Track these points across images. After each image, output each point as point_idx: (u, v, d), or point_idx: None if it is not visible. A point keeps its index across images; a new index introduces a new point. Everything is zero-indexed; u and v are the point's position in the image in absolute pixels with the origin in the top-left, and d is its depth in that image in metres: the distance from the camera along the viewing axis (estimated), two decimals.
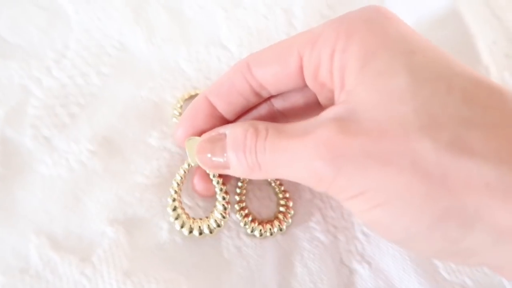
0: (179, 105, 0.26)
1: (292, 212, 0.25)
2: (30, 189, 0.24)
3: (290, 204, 0.25)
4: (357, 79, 0.18)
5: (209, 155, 0.22)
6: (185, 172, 0.24)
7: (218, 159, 0.21)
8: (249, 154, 0.20)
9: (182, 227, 0.24)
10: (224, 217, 0.24)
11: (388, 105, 0.17)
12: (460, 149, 0.15)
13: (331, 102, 0.20)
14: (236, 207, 0.25)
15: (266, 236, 0.24)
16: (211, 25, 0.28)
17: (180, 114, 0.26)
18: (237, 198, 0.25)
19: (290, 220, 0.25)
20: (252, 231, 0.24)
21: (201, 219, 0.24)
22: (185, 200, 0.25)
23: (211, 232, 0.24)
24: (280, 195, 0.25)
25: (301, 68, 0.20)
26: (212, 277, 0.24)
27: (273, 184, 0.26)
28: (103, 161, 0.25)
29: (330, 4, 0.30)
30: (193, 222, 0.24)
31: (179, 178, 0.24)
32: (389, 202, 0.17)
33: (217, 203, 0.24)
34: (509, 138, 0.16)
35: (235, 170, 0.21)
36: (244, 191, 0.25)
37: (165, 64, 0.27)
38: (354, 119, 0.17)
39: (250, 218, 0.25)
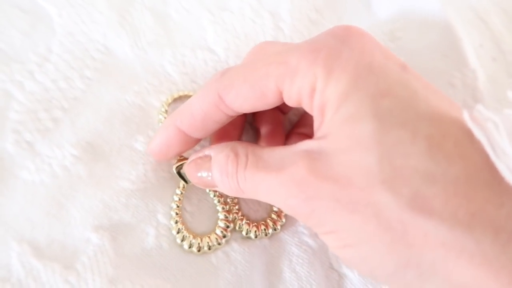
0: (163, 110, 0.26)
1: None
2: (11, 195, 0.23)
3: None
4: (331, 120, 0.18)
5: (198, 174, 0.23)
6: (184, 185, 0.25)
7: (206, 178, 0.22)
8: (231, 180, 0.21)
9: (182, 241, 0.24)
10: (225, 236, 0.24)
11: (355, 152, 0.17)
12: (419, 207, 0.16)
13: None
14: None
15: (262, 237, 0.24)
16: (198, 28, 0.28)
17: (165, 118, 0.26)
18: (229, 200, 0.25)
19: (284, 220, 0.25)
20: (247, 234, 0.24)
21: (201, 237, 0.24)
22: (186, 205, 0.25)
23: (209, 249, 0.24)
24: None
25: (280, 99, 0.20)
26: (199, 283, 0.24)
27: None
28: (87, 166, 0.24)
29: (318, 8, 0.30)
30: (194, 238, 0.24)
31: (180, 192, 0.24)
32: (358, 245, 0.17)
33: (219, 221, 0.25)
34: (468, 195, 0.16)
35: (222, 190, 0.22)
36: None
37: (151, 68, 0.27)
38: (326, 161, 0.18)
39: (244, 221, 0.25)
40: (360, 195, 0.17)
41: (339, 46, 0.18)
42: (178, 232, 0.24)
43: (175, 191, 0.25)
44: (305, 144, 0.19)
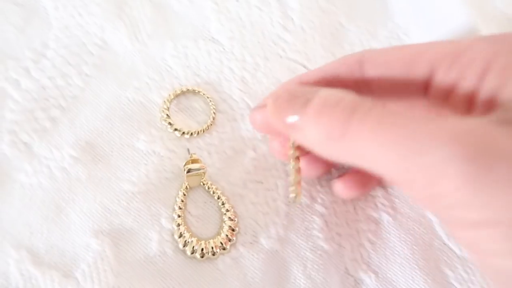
0: (166, 106, 0.24)
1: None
2: (8, 199, 0.22)
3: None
4: None
5: (288, 119, 0.18)
6: (187, 187, 0.23)
7: (293, 118, 0.18)
8: (335, 127, 0.16)
9: (184, 246, 0.22)
10: (230, 240, 0.23)
11: None
12: None
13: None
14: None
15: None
16: (200, 18, 0.26)
17: (168, 116, 0.24)
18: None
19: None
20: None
21: (205, 241, 0.23)
22: (191, 208, 0.23)
23: (213, 255, 0.22)
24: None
25: (427, 81, 0.18)
26: None
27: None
28: (86, 168, 0.23)
29: None
30: (197, 242, 0.22)
31: (182, 193, 0.23)
32: None
33: (223, 224, 0.23)
34: None
35: (309, 133, 0.17)
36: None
37: (151, 62, 0.25)
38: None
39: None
40: None
41: None
42: (180, 236, 0.22)
43: (178, 193, 0.23)
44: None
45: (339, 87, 0.18)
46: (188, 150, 0.24)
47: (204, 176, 0.23)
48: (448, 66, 0.17)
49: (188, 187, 0.23)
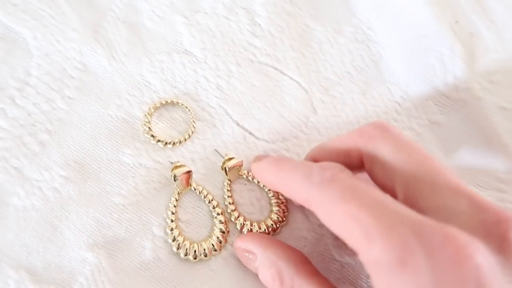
0: (147, 120, 0.25)
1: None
2: (3, 223, 0.23)
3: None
4: None
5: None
6: (179, 193, 0.24)
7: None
8: None
9: (178, 249, 0.23)
10: (221, 242, 0.24)
11: None
12: None
13: None
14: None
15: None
16: (173, 33, 0.27)
17: (150, 128, 0.25)
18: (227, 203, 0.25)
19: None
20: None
21: (197, 243, 0.24)
22: (180, 214, 0.24)
23: (206, 256, 0.23)
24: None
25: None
26: None
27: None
28: (77, 185, 0.24)
29: None
30: (190, 245, 0.23)
31: (174, 199, 0.24)
32: None
33: (215, 227, 0.24)
34: None
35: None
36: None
37: (130, 79, 0.26)
38: None
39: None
40: None
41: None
42: (173, 240, 0.23)
43: (169, 200, 0.24)
44: None
45: None
46: (170, 162, 0.25)
47: (191, 177, 0.24)
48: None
49: (179, 192, 0.24)
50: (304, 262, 0.21)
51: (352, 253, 0.24)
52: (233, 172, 0.25)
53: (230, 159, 0.25)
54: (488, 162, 0.26)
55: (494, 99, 0.27)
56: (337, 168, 0.19)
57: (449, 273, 0.15)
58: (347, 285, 0.24)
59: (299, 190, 0.20)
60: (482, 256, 0.16)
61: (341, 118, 0.27)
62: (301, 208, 0.25)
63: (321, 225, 0.24)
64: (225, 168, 0.24)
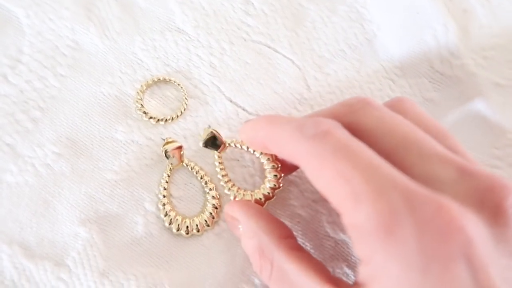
0: (139, 97, 0.25)
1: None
2: None
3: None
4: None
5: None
6: (171, 169, 0.24)
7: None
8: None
9: (170, 224, 0.23)
10: (214, 218, 0.24)
11: None
12: None
13: None
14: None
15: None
16: (165, 11, 0.27)
17: (142, 105, 0.25)
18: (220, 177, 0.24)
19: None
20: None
21: (190, 218, 0.24)
22: (172, 190, 0.24)
23: (198, 231, 0.23)
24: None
25: None
26: (193, 267, 0.23)
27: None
28: (69, 162, 0.24)
29: None
30: (182, 220, 0.23)
31: (167, 175, 0.24)
32: None
33: (207, 202, 0.24)
34: None
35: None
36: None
37: (122, 57, 0.26)
38: None
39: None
40: None
41: None
42: (165, 215, 0.23)
43: (161, 176, 0.24)
44: None
45: None
46: (162, 138, 0.25)
47: (183, 152, 0.24)
48: None
49: (172, 168, 0.24)
50: (286, 236, 0.21)
51: None
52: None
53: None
54: (482, 139, 0.26)
55: (489, 75, 0.27)
56: (333, 124, 0.18)
57: (438, 246, 0.15)
58: (341, 262, 0.24)
59: (288, 143, 0.19)
60: (474, 229, 0.15)
61: (335, 95, 0.27)
62: (296, 183, 0.25)
63: (316, 201, 0.24)
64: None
